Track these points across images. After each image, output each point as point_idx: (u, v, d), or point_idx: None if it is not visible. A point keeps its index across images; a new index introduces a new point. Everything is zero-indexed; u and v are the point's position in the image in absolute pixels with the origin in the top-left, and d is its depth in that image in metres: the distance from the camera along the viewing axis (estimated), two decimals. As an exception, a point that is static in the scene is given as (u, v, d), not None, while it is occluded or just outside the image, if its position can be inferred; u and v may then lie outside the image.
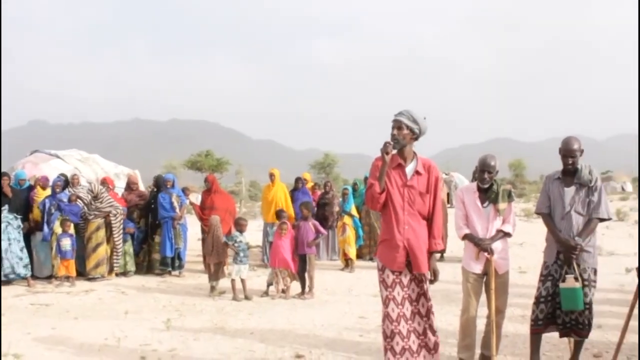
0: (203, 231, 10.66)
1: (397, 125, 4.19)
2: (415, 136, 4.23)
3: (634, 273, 8.36)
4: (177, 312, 7.45)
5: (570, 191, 4.76)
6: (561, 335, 4.85)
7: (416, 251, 4.19)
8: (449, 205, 12.67)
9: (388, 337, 4.18)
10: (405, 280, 4.22)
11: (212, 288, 8.65)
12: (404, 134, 4.18)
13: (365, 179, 10.89)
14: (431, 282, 4.31)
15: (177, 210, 10.47)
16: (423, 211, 4.26)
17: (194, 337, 6.19)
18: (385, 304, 4.20)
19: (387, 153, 4.12)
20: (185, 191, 11.54)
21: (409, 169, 4.26)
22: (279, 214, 9.50)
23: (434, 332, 4.23)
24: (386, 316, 4.20)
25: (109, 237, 10.06)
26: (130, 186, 11.04)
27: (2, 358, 5.36)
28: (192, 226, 12.41)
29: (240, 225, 8.67)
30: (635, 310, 4.82)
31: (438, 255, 10.36)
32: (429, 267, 4.26)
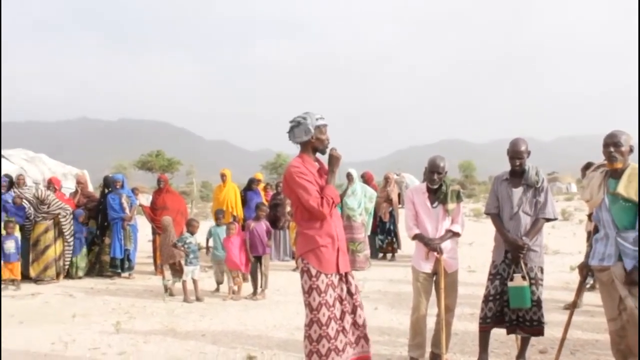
0: (154, 232, 10.53)
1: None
2: None
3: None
4: (127, 315, 7.31)
5: (518, 192, 4.86)
6: (508, 332, 4.95)
7: (345, 251, 4.37)
8: (400, 206, 12.83)
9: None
10: (336, 280, 4.23)
11: (166, 288, 8.54)
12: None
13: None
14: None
15: (127, 211, 10.31)
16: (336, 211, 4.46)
17: (144, 339, 6.08)
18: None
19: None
20: (135, 191, 11.36)
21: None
22: (217, 214, 9.38)
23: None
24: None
25: (58, 238, 9.83)
26: (78, 187, 10.86)
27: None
28: (142, 227, 12.23)
29: (191, 227, 8.59)
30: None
31: (366, 251, 10.64)
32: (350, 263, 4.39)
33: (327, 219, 4.18)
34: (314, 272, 4.15)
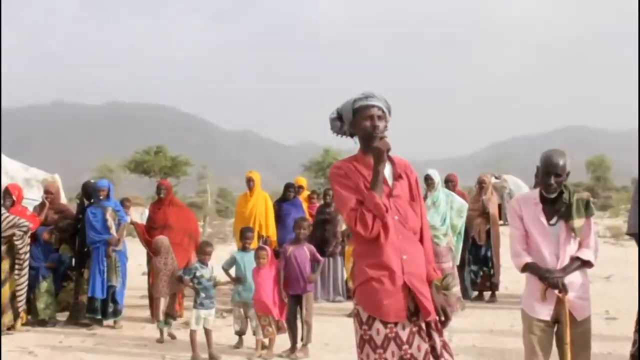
0: (150, 261, 10.61)
1: (378, 113, 4.25)
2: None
3: None
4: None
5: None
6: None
7: (422, 289, 4.16)
8: (501, 223, 12.66)
9: None
10: (404, 334, 4.10)
11: (162, 334, 8.62)
12: (384, 126, 4.28)
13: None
14: (442, 324, 4.24)
15: (113, 231, 10.40)
16: (416, 228, 4.30)
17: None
18: None
19: (389, 150, 4.18)
20: (125, 204, 11.48)
21: (387, 172, 4.28)
22: (244, 233, 9.35)
23: None
24: None
25: (12, 270, 9.97)
26: (46, 198, 10.98)
27: None
28: (135, 255, 12.35)
29: (203, 253, 8.60)
30: None
31: (455, 288, 10.38)
32: (435, 306, 4.21)
33: (380, 240, 4.12)
34: (364, 317, 4.15)
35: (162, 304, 8.85)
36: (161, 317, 8.88)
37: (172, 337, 9.01)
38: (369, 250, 4.16)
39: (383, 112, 4.25)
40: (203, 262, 8.55)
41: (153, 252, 9.85)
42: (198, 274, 8.44)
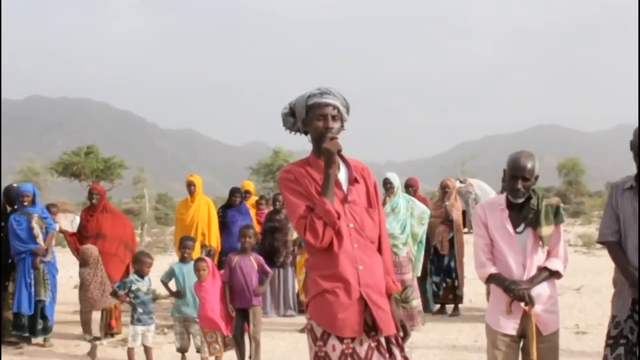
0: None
1: (333, 113, 4.23)
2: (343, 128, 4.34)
3: None
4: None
5: (651, 208, 4.84)
6: None
7: (380, 302, 4.16)
8: (466, 230, 12.78)
9: None
10: (362, 350, 4.10)
11: (93, 350, 8.60)
12: (339, 127, 4.27)
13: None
14: (402, 340, 4.27)
15: (40, 240, 10.33)
16: (373, 236, 4.31)
17: None
18: None
19: (339, 152, 4.18)
20: (52, 210, 11.39)
21: (342, 175, 4.29)
22: (183, 242, 9.31)
23: None
24: None
25: None
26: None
27: None
28: (65, 266, 12.26)
29: (141, 264, 8.57)
30: None
31: (416, 301, 10.46)
32: (395, 321, 4.23)
33: (334, 250, 4.11)
34: (319, 332, 4.13)
35: (92, 318, 8.82)
36: (94, 332, 8.85)
37: (93, 357, 8.98)
38: (322, 260, 4.14)
39: (339, 111, 4.22)
40: (140, 274, 8.55)
41: (80, 262, 9.81)
42: (134, 287, 8.41)
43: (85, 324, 9.08)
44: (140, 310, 8.39)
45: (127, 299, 8.39)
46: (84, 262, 9.21)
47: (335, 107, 4.20)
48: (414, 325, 10.37)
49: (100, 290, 9.03)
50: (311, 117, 4.21)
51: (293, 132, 4.40)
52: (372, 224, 4.28)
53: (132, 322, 8.44)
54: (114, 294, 8.53)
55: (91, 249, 9.22)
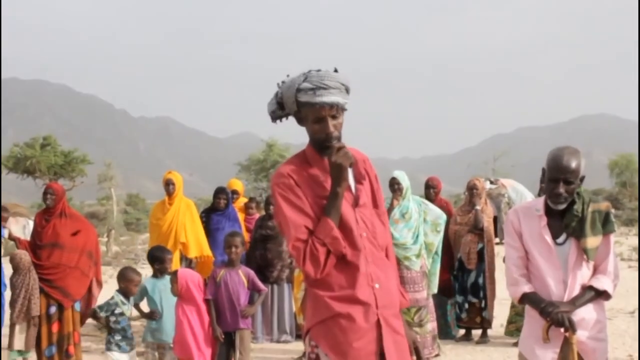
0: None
1: (332, 112, 4.10)
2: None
3: None
4: None
5: None
6: None
7: (396, 326, 4.14)
8: (497, 241, 12.67)
9: None
10: None
11: None
12: (341, 122, 4.17)
13: None
14: None
15: (-13, 248, 10.40)
16: (385, 244, 4.31)
17: None
18: None
19: (352, 165, 4.08)
20: (1, 214, 11.42)
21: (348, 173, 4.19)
22: (154, 256, 9.19)
23: None
24: None
25: None
26: None
27: None
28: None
29: (128, 282, 8.53)
30: None
31: (430, 324, 10.40)
32: (408, 344, 4.22)
33: (350, 266, 4.05)
34: None
35: (17, 330, 8.88)
36: (16, 346, 8.90)
37: None
38: (334, 278, 4.05)
39: (338, 106, 4.09)
40: (126, 295, 8.50)
41: (44, 275, 9.82)
42: (118, 311, 8.38)
43: (11, 336, 9.15)
44: (117, 337, 8.36)
45: (104, 322, 8.37)
46: (14, 269, 9.24)
47: (333, 105, 4.06)
48: (430, 354, 10.29)
49: (26, 300, 9.05)
50: (305, 115, 4.13)
51: (286, 119, 4.31)
52: (383, 228, 4.27)
53: (108, 349, 8.42)
54: (94, 315, 8.52)
55: (22, 254, 9.22)
